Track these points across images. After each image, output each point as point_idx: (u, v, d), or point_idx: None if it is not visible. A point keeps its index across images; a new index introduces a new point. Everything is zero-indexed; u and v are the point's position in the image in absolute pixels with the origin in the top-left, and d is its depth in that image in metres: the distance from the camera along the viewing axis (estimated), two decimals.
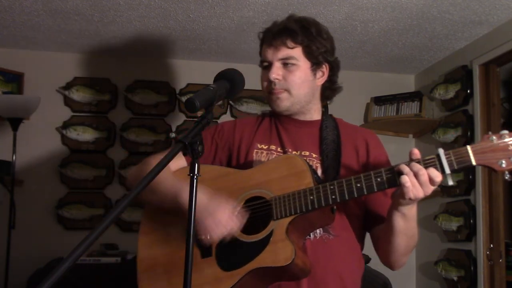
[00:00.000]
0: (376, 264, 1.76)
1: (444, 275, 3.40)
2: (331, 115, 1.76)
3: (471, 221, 3.25)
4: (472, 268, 3.19)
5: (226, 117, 3.82)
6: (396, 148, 3.61)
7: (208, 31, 3.25)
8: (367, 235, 1.71)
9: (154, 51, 3.61)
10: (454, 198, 3.43)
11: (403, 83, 4.03)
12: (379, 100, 3.92)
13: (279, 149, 1.67)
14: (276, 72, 1.63)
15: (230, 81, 1.41)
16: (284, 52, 1.63)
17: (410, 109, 3.80)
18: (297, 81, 1.63)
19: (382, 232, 1.56)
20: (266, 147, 1.68)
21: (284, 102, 1.65)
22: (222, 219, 1.45)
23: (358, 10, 2.92)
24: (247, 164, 1.65)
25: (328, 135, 1.66)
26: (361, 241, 1.68)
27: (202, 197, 1.46)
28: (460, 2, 2.80)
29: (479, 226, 3.19)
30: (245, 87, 1.48)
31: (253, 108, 3.83)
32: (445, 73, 3.60)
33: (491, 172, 3.23)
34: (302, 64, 1.63)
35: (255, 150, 1.68)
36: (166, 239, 1.60)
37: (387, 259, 1.59)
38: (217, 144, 1.72)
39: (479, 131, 3.24)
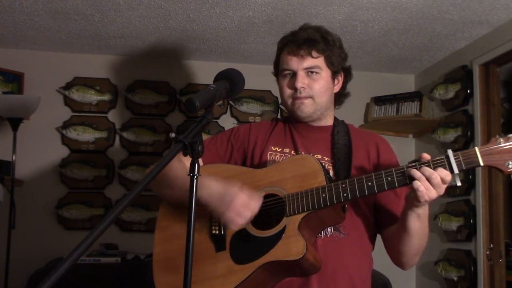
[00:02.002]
0: (376, 264, 1.76)
1: (444, 275, 3.40)
2: (343, 120, 1.82)
3: (471, 221, 3.25)
4: (472, 268, 3.19)
5: (226, 117, 3.82)
6: (396, 148, 3.56)
7: (208, 31, 3.25)
8: (378, 237, 1.74)
9: (154, 51, 3.61)
10: (454, 198, 3.43)
11: (403, 83, 4.03)
12: (379, 100, 3.92)
13: (292, 152, 1.73)
14: (302, 81, 1.69)
15: (230, 81, 1.43)
16: (309, 61, 1.69)
17: (410, 109, 3.80)
18: (321, 90, 1.70)
19: (395, 233, 1.60)
20: (280, 149, 1.74)
21: (308, 108, 1.71)
22: (243, 203, 1.48)
23: (358, 10, 2.92)
24: (261, 165, 1.71)
25: (340, 140, 1.72)
26: (371, 242, 1.71)
27: (217, 185, 1.52)
28: (460, 2, 2.80)
29: (479, 226, 3.19)
30: (245, 87, 1.49)
31: (253, 108, 3.83)
32: (445, 73, 3.60)
33: (491, 171, 3.23)
34: (325, 72, 1.71)
35: (269, 152, 1.74)
36: (180, 234, 1.63)
37: (399, 260, 1.64)
38: (233, 146, 1.79)
39: (479, 131, 3.24)
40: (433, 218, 3.50)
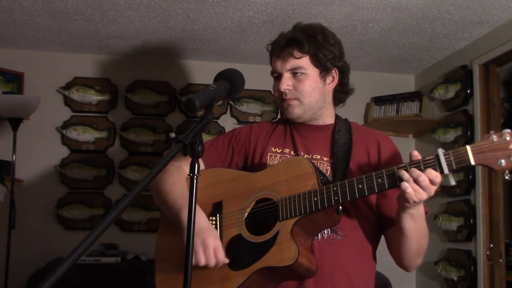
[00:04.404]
0: (376, 264, 1.75)
1: (444, 275, 3.40)
2: (346, 119, 1.79)
3: (471, 221, 3.25)
4: (472, 268, 3.19)
5: (226, 117, 3.82)
6: None
7: (208, 31, 3.25)
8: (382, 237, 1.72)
9: (154, 51, 3.61)
10: (454, 198, 3.43)
11: (403, 83, 4.03)
12: (379, 100, 3.92)
13: (292, 153, 1.71)
14: (286, 82, 1.67)
15: (230, 81, 1.42)
16: (292, 62, 1.67)
17: (410, 109, 3.80)
18: (307, 90, 1.67)
19: (394, 235, 1.58)
20: (280, 150, 1.73)
21: (296, 110, 1.69)
22: (208, 248, 1.49)
23: (358, 10, 2.92)
24: (261, 167, 1.69)
25: (340, 139, 1.69)
26: (373, 242, 1.68)
27: (203, 220, 1.55)
28: (460, 2, 2.80)
29: (479, 226, 3.19)
30: (245, 87, 1.49)
31: (253, 108, 3.83)
32: (445, 73, 3.60)
33: (491, 171, 3.23)
34: (311, 72, 1.67)
35: (269, 153, 1.72)
36: (180, 239, 1.63)
37: (401, 261, 1.61)
38: (234, 148, 1.78)
39: (479, 131, 3.24)
40: (433, 218, 3.50)
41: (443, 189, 3.48)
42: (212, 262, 1.49)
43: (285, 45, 1.67)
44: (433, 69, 3.82)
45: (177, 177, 1.67)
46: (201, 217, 1.54)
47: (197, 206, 1.42)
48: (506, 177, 1.30)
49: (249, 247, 1.53)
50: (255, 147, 1.76)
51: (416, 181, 1.33)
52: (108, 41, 3.44)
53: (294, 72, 1.67)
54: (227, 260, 1.52)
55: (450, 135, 3.46)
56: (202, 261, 1.49)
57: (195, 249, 1.48)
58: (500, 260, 3.13)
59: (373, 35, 3.28)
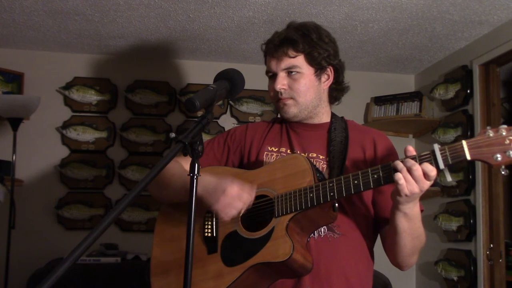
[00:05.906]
0: (376, 264, 1.75)
1: (444, 275, 3.40)
2: (342, 117, 1.79)
3: (471, 221, 3.25)
4: (472, 268, 3.19)
5: (226, 117, 3.82)
6: (396, 148, 3.60)
7: (208, 31, 3.25)
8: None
9: (154, 51, 3.61)
10: (454, 198, 3.43)
11: (403, 83, 4.03)
12: (379, 100, 3.92)
13: (288, 151, 1.71)
14: (281, 82, 1.67)
15: (230, 81, 1.43)
16: (286, 62, 1.66)
17: (410, 109, 3.80)
18: (302, 89, 1.66)
19: (388, 233, 1.57)
20: (276, 149, 1.72)
21: (291, 109, 1.69)
22: (234, 194, 1.47)
23: (358, 10, 2.92)
24: (258, 166, 1.69)
25: (337, 137, 1.68)
26: (370, 241, 1.68)
27: (210, 179, 1.52)
28: (460, 2, 2.80)
29: (479, 226, 3.19)
30: (245, 87, 1.50)
31: (253, 108, 3.83)
32: (445, 73, 3.60)
33: (491, 170, 3.22)
34: (306, 71, 1.67)
35: (266, 152, 1.72)
36: (177, 237, 1.65)
37: (394, 260, 1.61)
38: (229, 147, 1.78)
39: (479, 131, 3.23)
40: (433, 218, 3.50)
41: (443, 189, 3.48)
42: (245, 204, 1.49)
43: (279, 44, 1.67)
44: (433, 69, 3.82)
45: (175, 163, 1.66)
46: (208, 178, 1.51)
47: (202, 172, 1.37)
48: (503, 172, 1.29)
49: (245, 243, 1.53)
50: (251, 146, 1.76)
51: (409, 170, 1.32)
52: (108, 41, 3.44)
53: (289, 71, 1.66)
54: (254, 195, 1.51)
55: (450, 135, 3.47)
56: (238, 209, 1.47)
57: (226, 206, 1.46)
58: (500, 260, 3.13)
59: (373, 35, 3.28)
